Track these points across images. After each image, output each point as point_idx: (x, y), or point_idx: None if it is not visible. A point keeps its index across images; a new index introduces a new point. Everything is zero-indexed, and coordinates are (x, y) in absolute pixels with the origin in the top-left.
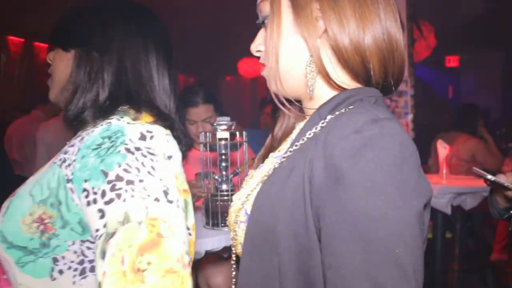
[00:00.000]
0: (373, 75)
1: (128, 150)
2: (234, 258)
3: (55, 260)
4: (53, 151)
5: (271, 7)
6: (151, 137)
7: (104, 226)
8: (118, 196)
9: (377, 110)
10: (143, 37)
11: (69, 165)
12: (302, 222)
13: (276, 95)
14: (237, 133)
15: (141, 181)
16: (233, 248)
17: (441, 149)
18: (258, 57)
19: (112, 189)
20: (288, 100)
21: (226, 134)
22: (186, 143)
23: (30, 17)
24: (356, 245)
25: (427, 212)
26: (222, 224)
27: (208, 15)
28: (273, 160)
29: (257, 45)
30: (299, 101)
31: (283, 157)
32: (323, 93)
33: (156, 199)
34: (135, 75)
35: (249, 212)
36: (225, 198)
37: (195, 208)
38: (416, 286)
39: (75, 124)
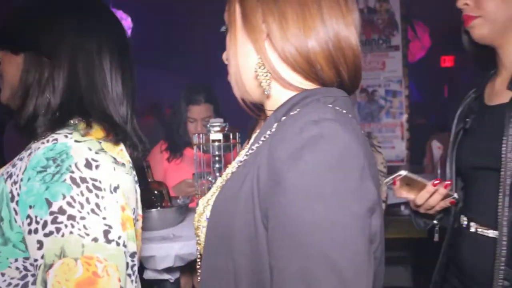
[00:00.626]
0: (323, 76)
1: (73, 180)
2: (199, 262)
3: None
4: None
5: (227, 16)
6: (97, 167)
7: (42, 257)
8: (58, 230)
9: (325, 111)
10: (96, 36)
11: (15, 182)
12: (253, 226)
13: (243, 100)
14: (231, 134)
15: (82, 218)
16: (197, 252)
17: (435, 149)
18: None
19: (53, 221)
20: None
21: (219, 136)
22: (143, 148)
23: None
24: (292, 250)
25: (377, 215)
26: None
27: (206, 15)
28: (234, 164)
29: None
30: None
31: (240, 162)
32: (281, 95)
33: (95, 239)
34: (87, 81)
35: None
36: None
37: (189, 209)
38: None
39: (27, 133)
